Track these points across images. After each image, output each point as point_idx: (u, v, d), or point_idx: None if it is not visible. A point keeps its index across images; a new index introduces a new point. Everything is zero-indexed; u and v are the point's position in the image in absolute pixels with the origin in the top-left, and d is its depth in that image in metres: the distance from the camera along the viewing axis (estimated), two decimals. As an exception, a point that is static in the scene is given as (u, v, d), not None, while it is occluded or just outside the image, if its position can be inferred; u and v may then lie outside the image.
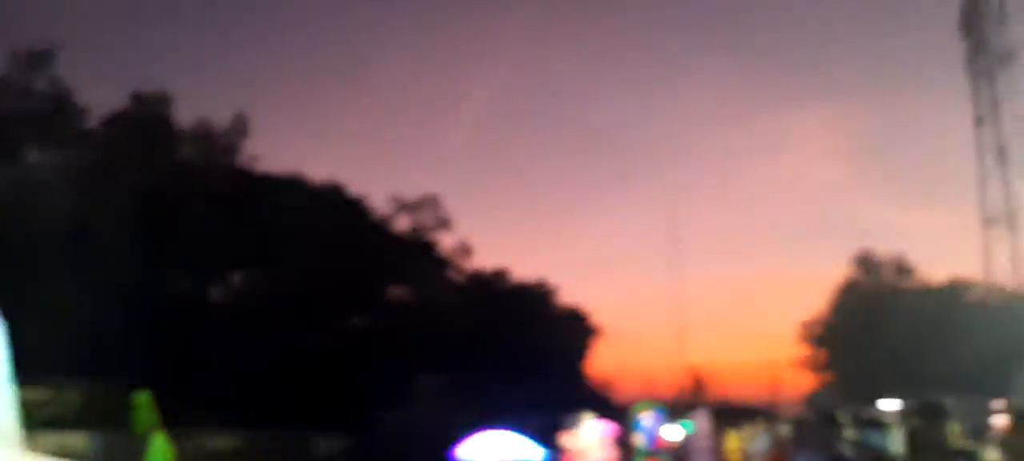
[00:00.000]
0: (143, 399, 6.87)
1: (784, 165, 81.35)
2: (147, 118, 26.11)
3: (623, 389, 43.26)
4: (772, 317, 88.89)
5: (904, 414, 12.26)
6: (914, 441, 3.74)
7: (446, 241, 35.30)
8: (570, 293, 63.34)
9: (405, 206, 33.58)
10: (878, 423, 3.51)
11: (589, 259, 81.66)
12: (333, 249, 28.01)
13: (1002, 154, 38.29)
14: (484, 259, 41.77)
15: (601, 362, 54.09)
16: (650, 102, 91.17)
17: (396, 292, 33.35)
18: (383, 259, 30.78)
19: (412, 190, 36.67)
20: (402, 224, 34.06)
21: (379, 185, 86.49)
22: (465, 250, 35.45)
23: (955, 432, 3.49)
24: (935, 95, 77.31)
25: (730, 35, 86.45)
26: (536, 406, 24.84)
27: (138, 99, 26.04)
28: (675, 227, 23.88)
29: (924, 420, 3.61)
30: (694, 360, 53.11)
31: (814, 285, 65.90)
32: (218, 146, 28.37)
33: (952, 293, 34.78)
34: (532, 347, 32.26)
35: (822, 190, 79.52)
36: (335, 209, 29.65)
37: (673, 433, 20.54)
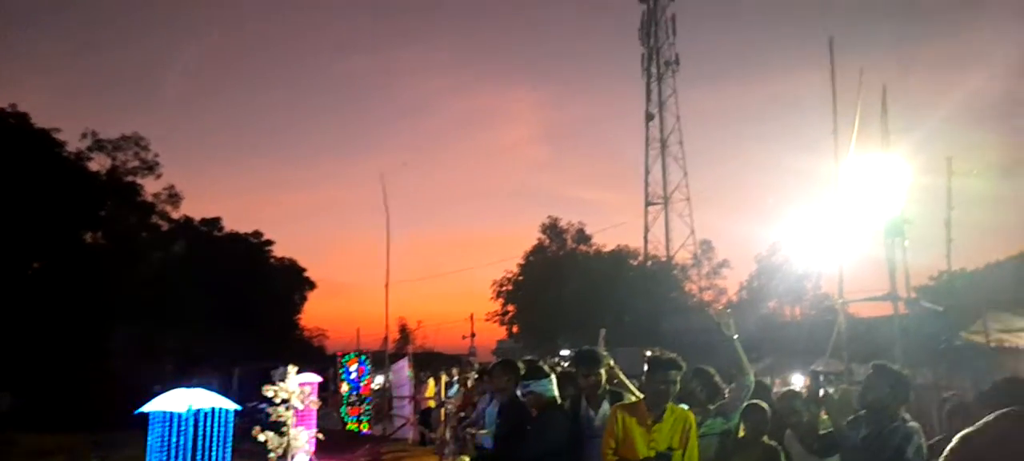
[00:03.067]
0: None
1: (490, 139, 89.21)
2: None
3: (334, 339, 44.39)
4: (471, 275, 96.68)
5: (569, 360, 13.82)
6: (567, 384, 5.10)
7: (153, 186, 32.92)
8: (286, 246, 62.40)
9: (102, 144, 30.54)
10: (544, 372, 4.62)
11: (304, 212, 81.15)
12: (9, 183, 24.81)
13: (664, 146, 46.35)
14: (197, 208, 39.72)
15: (314, 313, 54.51)
16: (372, 65, 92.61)
17: (89, 236, 30.43)
18: (73, 199, 27.87)
19: (114, 130, 33.47)
20: (100, 164, 31.02)
21: (75, 121, 75.63)
22: (173, 196, 33.38)
23: (603, 377, 4.77)
24: (617, 92, 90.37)
25: (452, 11, 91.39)
26: (244, 357, 24.92)
27: None
28: (386, 187, 25.40)
29: (580, 366, 4.85)
30: (401, 313, 56.10)
31: (509, 246, 73.63)
32: None
33: (619, 259, 41.22)
34: (245, 298, 31.76)
35: (517, 165, 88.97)
36: (15, 140, 26.12)
37: (377, 381, 22.27)
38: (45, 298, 25.52)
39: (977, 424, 0.97)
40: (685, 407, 4.64)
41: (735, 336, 4.88)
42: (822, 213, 12.08)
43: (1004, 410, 0.96)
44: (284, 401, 11.35)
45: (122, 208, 30.69)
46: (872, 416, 4.20)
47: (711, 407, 4.98)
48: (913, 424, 4.04)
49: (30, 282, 26.13)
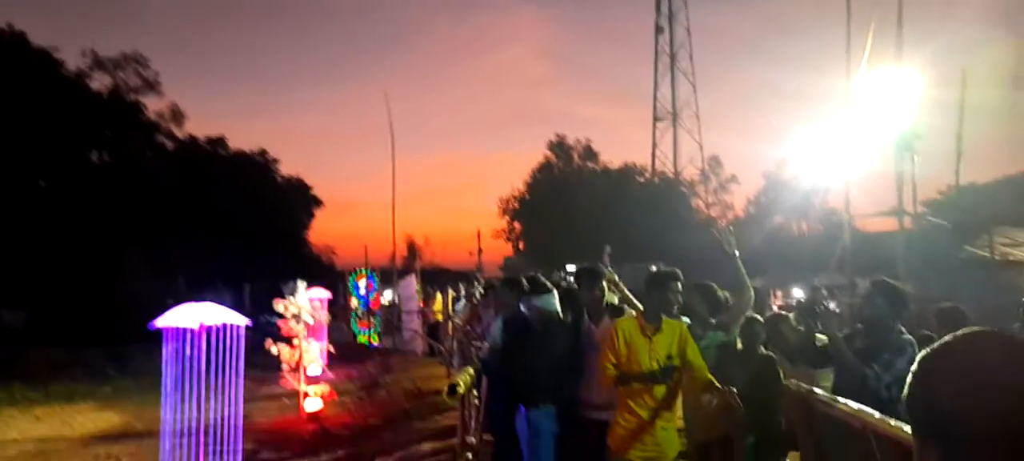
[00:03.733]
0: None
1: (494, 58, 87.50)
2: None
3: (343, 256, 44.84)
4: (478, 193, 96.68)
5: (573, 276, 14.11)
6: (569, 299, 5.16)
7: (156, 105, 32.68)
8: (292, 164, 62.46)
9: (103, 63, 30.13)
10: (547, 288, 4.63)
11: (311, 132, 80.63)
12: (11, 104, 24.66)
13: (673, 60, 45.45)
14: (200, 127, 39.54)
15: (322, 231, 55.01)
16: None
17: (95, 156, 30.42)
18: (76, 118, 27.72)
19: (113, 48, 32.98)
20: (101, 83, 30.70)
21: (73, 40, 74.45)
22: (177, 115, 33.14)
23: (605, 292, 4.78)
24: (624, 7, 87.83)
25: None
26: (255, 274, 25.31)
27: None
28: (390, 107, 25.34)
29: (582, 282, 4.88)
30: (408, 230, 56.49)
31: (515, 165, 73.16)
32: None
33: (626, 176, 41.03)
34: (253, 215, 31.94)
35: (523, 84, 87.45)
36: (14, 59, 25.79)
37: (386, 296, 22.63)
38: (54, 217, 25.73)
39: (933, 346, 0.88)
40: (684, 320, 4.71)
41: (735, 253, 4.89)
42: (832, 129, 11.95)
43: (968, 330, 0.88)
44: (295, 315, 11.58)
45: (126, 127, 30.51)
46: (869, 330, 4.22)
47: (712, 321, 5.04)
48: (908, 337, 4.06)
49: (38, 201, 26.27)
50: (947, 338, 0.87)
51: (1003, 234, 13.61)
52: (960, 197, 16.20)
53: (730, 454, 4.84)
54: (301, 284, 12.01)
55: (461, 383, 5.01)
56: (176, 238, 26.32)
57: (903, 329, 4.11)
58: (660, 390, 4.30)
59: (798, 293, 14.42)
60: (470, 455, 4.92)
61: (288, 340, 11.64)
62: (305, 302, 11.61)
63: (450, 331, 15.27)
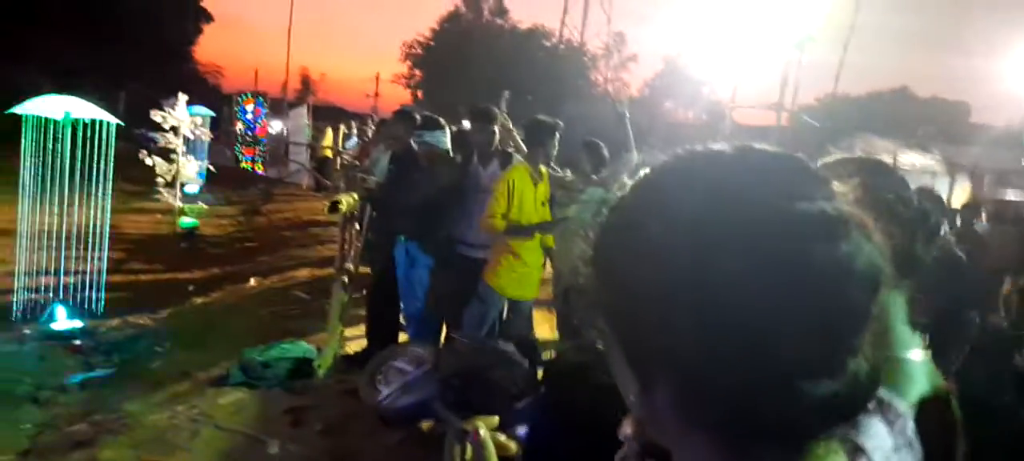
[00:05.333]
0: None
1: None
2: None
3: (231, 80, 42.43)
4: (381, 36, 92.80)
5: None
6: (460, 140, 5.18)
7: None
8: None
9: None
10: (439, 124, 4.61)
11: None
12: None
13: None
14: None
15: (210, 49, 51.28)
16: None
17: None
18: None
19: None
20: None
21: None
22: None
23: (495, 135, 4.80)
24: None
25: None
26: (131, 80, 23.52)
27: None
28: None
29: (474, 121, 4.92)
30: (304, 62, 53.78)
31: (425, 10, 70.18)
32: None
33: (532, 39, 40.46)
34: (132, 19, 29.26)
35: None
36: None
37: (274, 125, 21.81)
38: None
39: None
40: (567, 173, 4.95)
41: (626, 114, 5.08)
42: (735, 20, 12.27)
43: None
44: (174, 128, 11.05)
45: None
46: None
47: (594, 177, 5.28)
48: None
49: None
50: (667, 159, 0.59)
51: (866, 141, 14.84)
52: (834, 105, 17.31)
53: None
54: (182, 98, 11.40)
55: (343, 202, 5.07)
56: (41, 27, 23.82)
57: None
58: (539, 239, 4.63)
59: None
60: (346, 279, 5.06)
61: (165, 154, 11.15)
62: (185, 116, 11.07)
63: (338, 167, 15.09)
